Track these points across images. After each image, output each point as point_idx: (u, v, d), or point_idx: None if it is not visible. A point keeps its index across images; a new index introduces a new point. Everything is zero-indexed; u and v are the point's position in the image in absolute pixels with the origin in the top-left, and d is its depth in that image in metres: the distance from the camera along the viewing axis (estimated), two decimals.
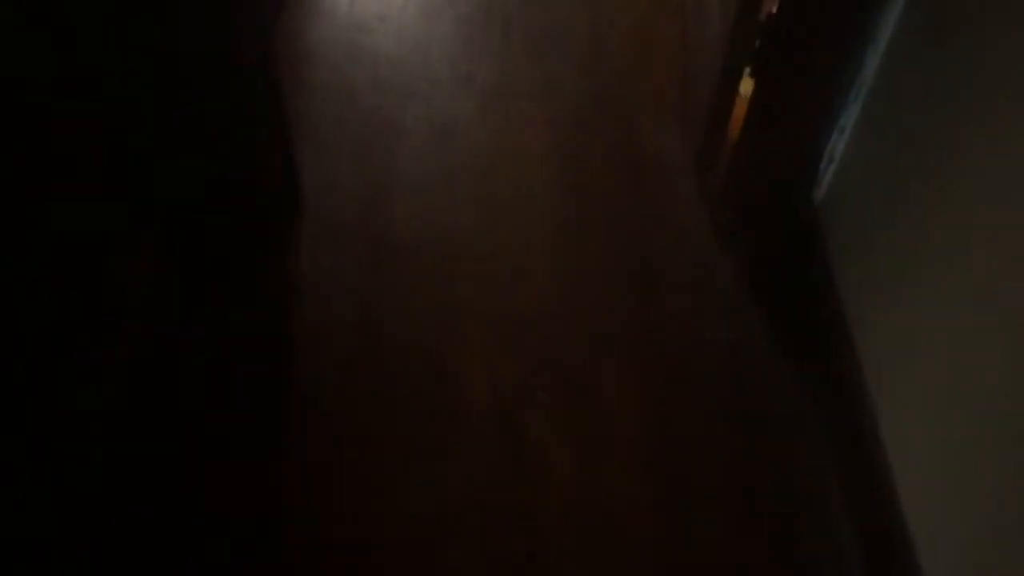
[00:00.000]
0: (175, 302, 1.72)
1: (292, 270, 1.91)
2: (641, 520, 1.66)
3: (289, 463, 1.70)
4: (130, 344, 1.57)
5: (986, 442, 1.27)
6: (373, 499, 1.68)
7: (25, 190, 1.44)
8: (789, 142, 1.79)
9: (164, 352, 1.64)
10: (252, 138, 1.77)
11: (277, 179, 1.94)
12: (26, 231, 1.43)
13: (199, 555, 1.58)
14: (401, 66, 2.40)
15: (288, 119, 1.94)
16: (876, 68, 1.60)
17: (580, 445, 1.75)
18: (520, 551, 1.63)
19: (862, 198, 1.70)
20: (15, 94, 1.42)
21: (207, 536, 1.60)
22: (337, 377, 1.80)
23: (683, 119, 2.29)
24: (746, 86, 1.92)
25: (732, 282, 1.97)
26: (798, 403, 1.79)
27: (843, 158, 1.74)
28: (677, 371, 1.84)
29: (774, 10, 1.77)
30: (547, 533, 1.65)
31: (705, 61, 2.27)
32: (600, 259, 2.04)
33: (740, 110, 1.98)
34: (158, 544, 1.58)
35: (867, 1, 1.56)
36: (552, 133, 2.28)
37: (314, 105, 2.28)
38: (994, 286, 1.26)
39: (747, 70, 1.89)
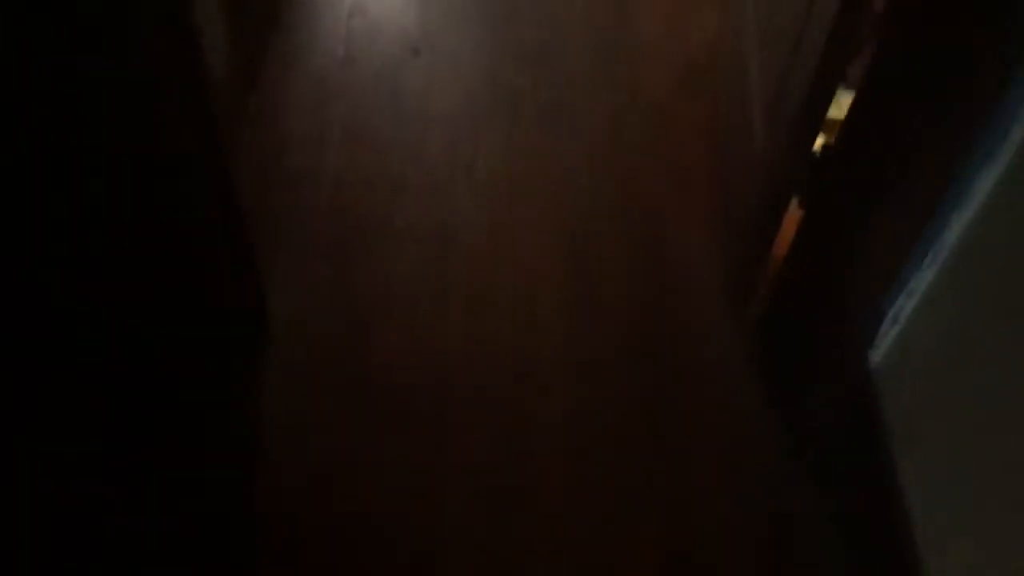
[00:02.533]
0: (93, 460, 1.43)
1: (248, 415, 1.62)
2: None
3: None
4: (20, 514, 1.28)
5: None
6: None
7: None
8: (840, 294, 1.49)
9: (68, 526, 1.35)
10: (200, 248, 1.48)
11: (236, 298, 1.65)
12: None
13: None
14: (394, 151, 2.11)
15: (245, 223, 1.65)
16: (962, 232, 1.30)
17: None
18: None
19: (930, 376, 1.40)
20: None
21: None
22: (287, 558, 1.52)
23: (715, 225, 1.99)
24: (793, 212, 1.63)
25: (768, 447, 1.67)
26: None
27: (909, 324, 1.44)
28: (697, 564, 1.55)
29: (831, 140, 1.48)
30: None
31: (743, 159, 1.97)
32: (614, 406, 1.74)
33: (785, 237, 1.68)
34: None
35: (952, 152, 1.26)
36: (561, 238, 1.98)
37: (291, 200, 1.99)
38: None
39: (796, 198, 1.60)
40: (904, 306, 1.44)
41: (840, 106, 1.49)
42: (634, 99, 2.27)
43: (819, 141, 1.52)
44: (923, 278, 1.38)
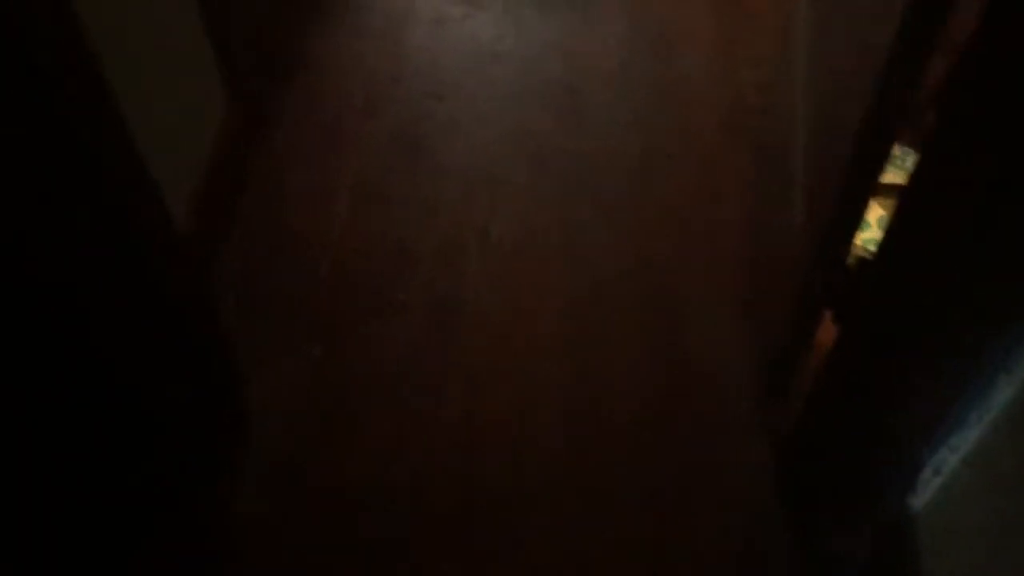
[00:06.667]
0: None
1: (221, 527, 1.52)
2: None
3: None
4: None
5: None
6: None
7: None
8: (877, 432, 1.29)
9: None
10: (168, 347, 1.38)
11: (208, 398, 1.55)
12: None
13: None
14: (404, 212, 1.96)
15: (216, 316, 1.54)
16: (1013, 395, 1.08)
17: None
18: None
19: (970, 537, 1.19)
20: None
21: None
22: None
23: (742, 309, 1.79)
24: (827, 330, 1.42)
25: None
26: None
27: (953, 479, 1.23)
28: None
29: (868, 254, 1.26)
30: None
31: (778, 241, 1.75)
32: (616, 527, 1.55)
33: (821, 347, 1.47)
34: None
35: (1005, 298, 1.04)
36: (574, 316, 1.80)
37: (288, 268, 1.86)
38: None
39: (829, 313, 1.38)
40: (947, 459, 1.22)
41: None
42: (669, 151, 2.07)
43: (860, 245, 1.31)
44: (968, 436, 1.17)
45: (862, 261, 1.28)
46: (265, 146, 2.04)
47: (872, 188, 1.16)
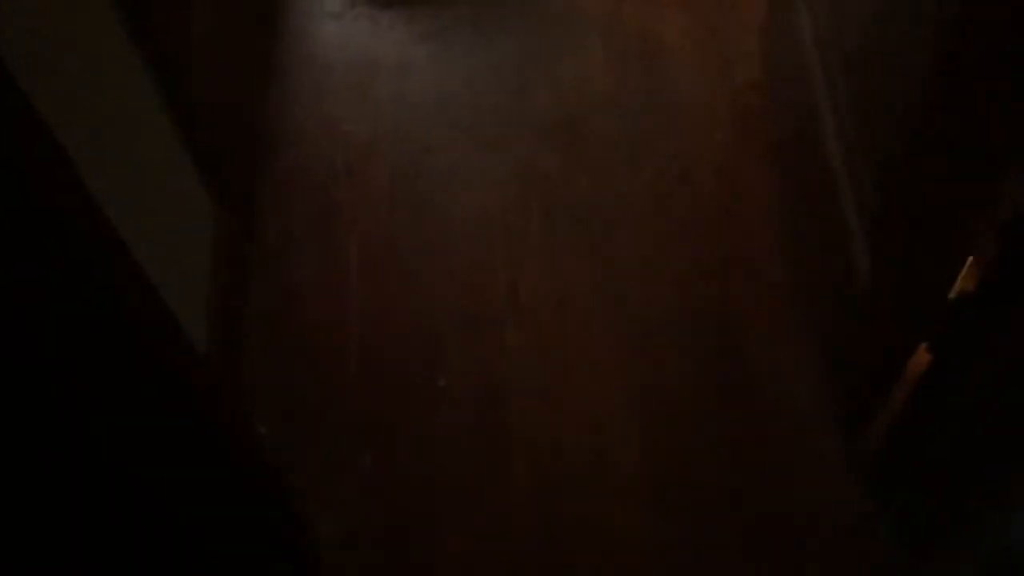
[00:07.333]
0: None
1: None
2: None
3: None
4: None
5: None
6: None
7: None
8: (997, 468, 1.22)
9: None
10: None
11: (270, 538, 1.42)
12: None
13: None
14: (422, 286, 1.82)
15: (262, 447, 1.42)
16: None
17: None
18: None
19: None
20: None
21: None
22: None
23: (800, 330, 1.71)
24: (920, 359, 1.34)
25: None
26: None
27: None
28: None
29: (971, 286, 1.18)
30: None
31: (831, 261, 1.66)
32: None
33: (910, 377, 1.40)
34: None
35: None
36: (630, 370, 1.69)
37: (313, 373, 1.71)
38: None
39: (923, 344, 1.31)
40: None
41: None
42: (683, 173, 1.96)
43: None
44: None
45: (966, 296, 1.20)
46: (260, 242, 1.89)
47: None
